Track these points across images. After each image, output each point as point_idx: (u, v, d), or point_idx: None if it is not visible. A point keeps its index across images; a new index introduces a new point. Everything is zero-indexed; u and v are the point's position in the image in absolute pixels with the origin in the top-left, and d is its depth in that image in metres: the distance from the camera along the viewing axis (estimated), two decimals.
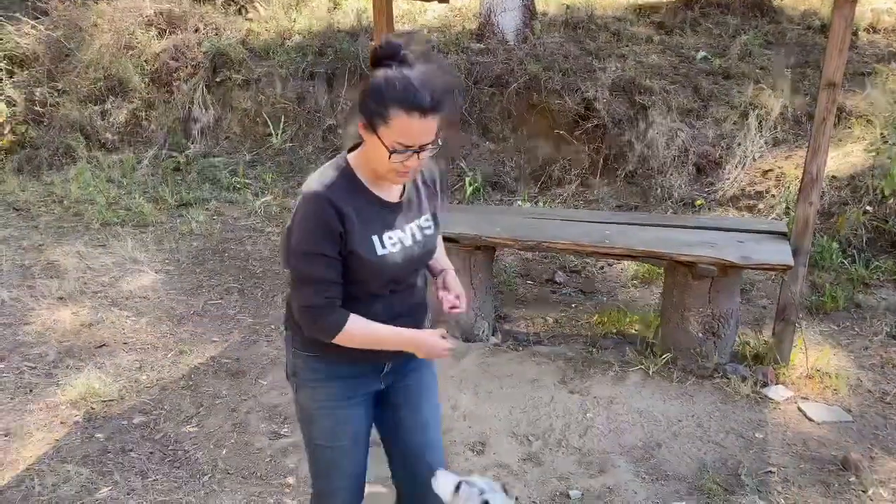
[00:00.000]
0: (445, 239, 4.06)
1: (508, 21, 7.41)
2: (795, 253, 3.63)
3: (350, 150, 1.92)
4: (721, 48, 7.13)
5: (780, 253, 3.61)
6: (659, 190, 6.08)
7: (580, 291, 5.15)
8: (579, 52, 7.06)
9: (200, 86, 7.64)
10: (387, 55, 1.71)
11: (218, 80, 7.71)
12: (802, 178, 3.66)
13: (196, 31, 8.09)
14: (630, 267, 5.30)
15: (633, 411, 3.55)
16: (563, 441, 3.34)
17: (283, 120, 7.33)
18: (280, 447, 3.34)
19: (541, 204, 6.30)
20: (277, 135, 7.20)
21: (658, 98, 6.41)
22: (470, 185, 6.42)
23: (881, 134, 5.66)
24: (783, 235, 3.88)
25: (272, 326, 4.51)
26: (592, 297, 5.02)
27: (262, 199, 6.42)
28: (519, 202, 6.31)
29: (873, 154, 5.35)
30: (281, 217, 6.23)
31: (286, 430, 3.47)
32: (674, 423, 3.44)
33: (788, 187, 5.52)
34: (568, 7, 7.85)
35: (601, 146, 6.50)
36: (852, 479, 3.04)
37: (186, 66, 7.81)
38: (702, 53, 7.01)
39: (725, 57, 6.95)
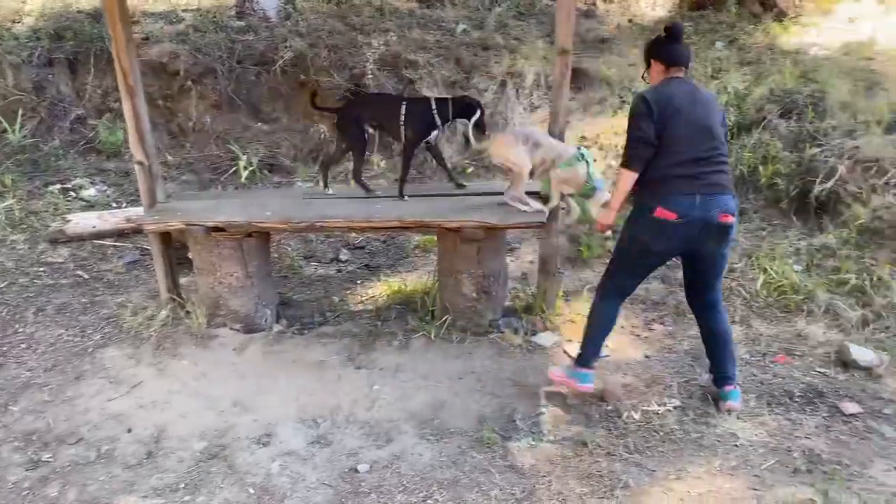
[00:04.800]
0: (213, 229, 3.90)
1: None
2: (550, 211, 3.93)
3: None
4: (478, 20, 7.46)
5: (535, 212, 3.88)
6: (432, 161, 6.25)
7: (365, 267, 5.19)
8: (344, 27, 7.02)
9: None
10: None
11: None
12: None
13: None
14: (412, 238, 5.43)
15: (418, 376, 3.66)
16: (351, 417, 3.36)
17: (20, 113, 6.48)
18: (40, 476, 3.00)
19: (321, 183, 6.21)
20: (14, 131, 6.35)
21: (424, 71, 6.58)
22: (245, 168, 6.17)
23: (619, 95, 6.29)
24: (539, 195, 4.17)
25: (23, 346, 4.02)
26: (377, 271, 5.08)
27: (3, 204, 5.65)
28: (298, 183, 6.19)
29: (611, 114, 5.94)
30: (27, 222, 5.53)
31: (47, 455, 3.12)
32: (455, 382, 3.60)
33: None
34: None
35: None
36: (609, 407, 3.39)
37: None
38: (461, 26, 7.29)
39: (483, 29, 7.28)
